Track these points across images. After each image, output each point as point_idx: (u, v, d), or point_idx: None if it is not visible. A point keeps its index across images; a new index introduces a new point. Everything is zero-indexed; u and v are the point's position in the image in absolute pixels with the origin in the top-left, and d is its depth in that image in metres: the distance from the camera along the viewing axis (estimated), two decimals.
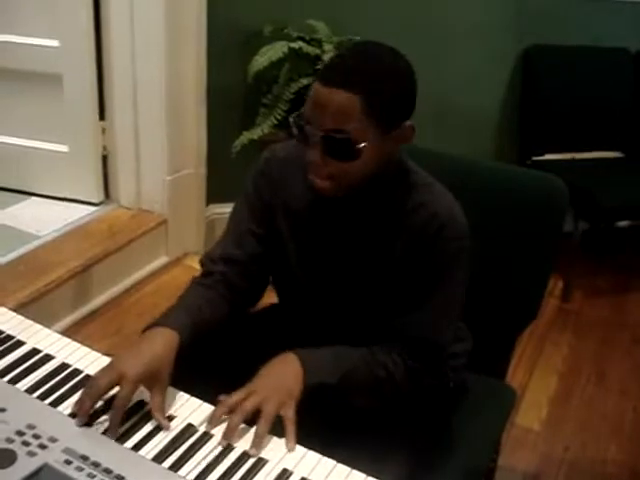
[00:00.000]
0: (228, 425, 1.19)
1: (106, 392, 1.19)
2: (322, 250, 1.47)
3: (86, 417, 1.17)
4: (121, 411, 1.17)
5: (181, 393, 1.28)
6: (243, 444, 1.17)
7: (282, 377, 1.30)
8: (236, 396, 1.23)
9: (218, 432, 1.19)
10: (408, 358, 1.40)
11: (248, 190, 1.53)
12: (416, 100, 1.34)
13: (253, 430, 1.20)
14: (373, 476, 1.14)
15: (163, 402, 1.23)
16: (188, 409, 1.24)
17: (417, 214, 1.38)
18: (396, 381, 1.39)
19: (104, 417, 1.18)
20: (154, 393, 1.23)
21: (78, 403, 1.18)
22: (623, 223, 3.97)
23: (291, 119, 1.34)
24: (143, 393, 1.24)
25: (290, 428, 1.21)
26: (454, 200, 1.42)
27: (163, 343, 1.29)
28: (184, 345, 1.32)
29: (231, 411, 1.21)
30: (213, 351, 1.44)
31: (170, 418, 1.21)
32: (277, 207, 1.50)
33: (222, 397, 1.24)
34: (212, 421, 1.21)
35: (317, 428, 1.26)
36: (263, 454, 1.16)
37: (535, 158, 3.61)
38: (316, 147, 1.29)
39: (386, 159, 1.35)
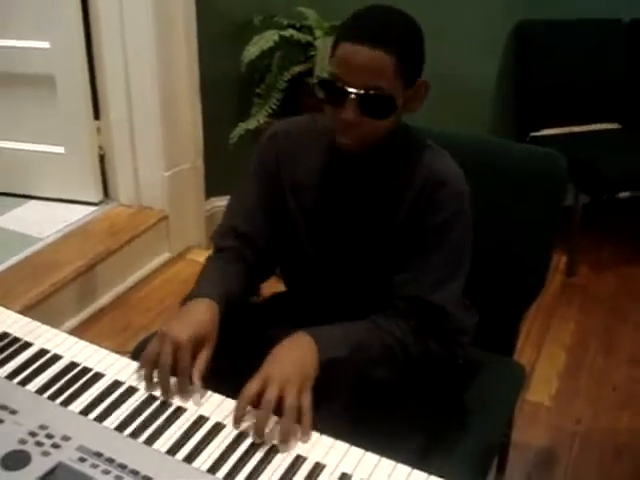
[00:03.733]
0: (257, 424, 1.15)
1: (173, 361, 1.24)
2: (331, 220, 1.47)
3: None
4: (186, 376, 1.24)
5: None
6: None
7: (297, 357, 1.27)
8: (254, 385, 1.20)
9: (230, 421, 1.19)
10: (411, 318, 1.39)
11: (254, 166, 1.54)
12: None
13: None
14: (387, 454, 1.14)
15: (205, 364, 1.27)
16: (198, 400, 1.24)
17: (418, 174, 1.40)
18: (406, 345, 1.39)
19: (116, 413, 1.19)
20: (200, 354, 1.28)
21: (146, 374, 1.25)
22: (624, 194, 3.97)
23: (315, 80, 1.33)
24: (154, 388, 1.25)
25: (306, 419, 1.18)
26: (454, 162, 1.43)
27: (205, 310, 1.34)
28: (222, 313, 1.36)
29: (252, 403, 1.19)
30: (221, 341, 1.43)
31: (181, 410, 1.21)
32: (285, 181, 1.50)
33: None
34: (236, 416, 1.18)
35: (332, 409, 1.26)
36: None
37: (533, 134, 3.60)
38: (350, 106, 1.29)
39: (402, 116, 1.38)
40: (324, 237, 1.49)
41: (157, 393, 1.24)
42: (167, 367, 1.24)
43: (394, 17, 1.35)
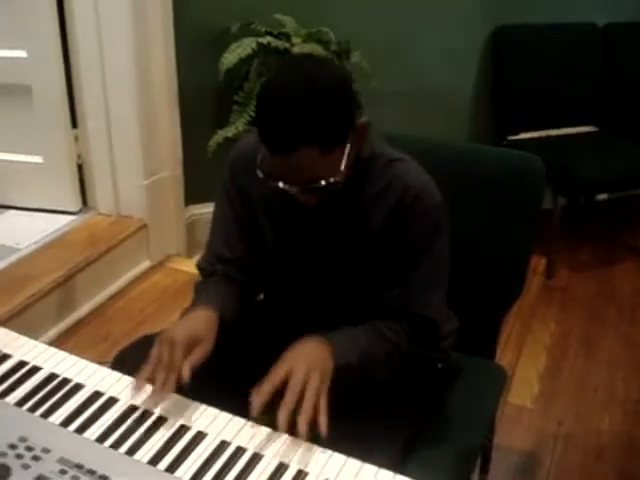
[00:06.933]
0: (285, 405, 1.18)
1: (172, 361, 1.26)
2: (303, 236, 1.47)
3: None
4: (175, 372, 1.25)
5: (172, 394, 1.27)
6: (239, 440, 1.17)
7: (318, 354, 1.30)
8: (280, 371, 1.23)
9: (212, 431, 1.18)
10: (405, 325, 1.42)
11: (226, 186, 1.54)
12: (358, 99, 1.37)
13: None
14: (370, 459, 1.14)
15: (198, 359, 1.29)
16: (180, 410, 1.23)
17: (391, 189, 1.40)
18: (403, 351, 1.42)
19: (97, 424, 1.18)
20: (195, 351, 1.30)
21: (148, 375, 1.26)
22: (602, 196, 4.00)
23: (259, 174, 1.32)
24: (137, 398, 1.24)
25: (323, 417, 1.19)
26: (424, 172, 1.43)
27: (202, 315, 1.38)
28: (220, 323, 1.39)
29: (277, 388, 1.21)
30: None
31: (162, 420, 1.21)
32: (255, 197, 1.50)
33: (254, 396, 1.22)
34: (260, 399, 1.19)
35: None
36: (259, 448, 1.15)
37: (511, 137, 3.62)
38: (299, 195, 1.32)
39: (355, 157, 1.35)
40: (297, 253, 1.49)
41: (138, 401, 1.24)
42: (163, 364, 1.26)
43: (305, 91, 1.22)
